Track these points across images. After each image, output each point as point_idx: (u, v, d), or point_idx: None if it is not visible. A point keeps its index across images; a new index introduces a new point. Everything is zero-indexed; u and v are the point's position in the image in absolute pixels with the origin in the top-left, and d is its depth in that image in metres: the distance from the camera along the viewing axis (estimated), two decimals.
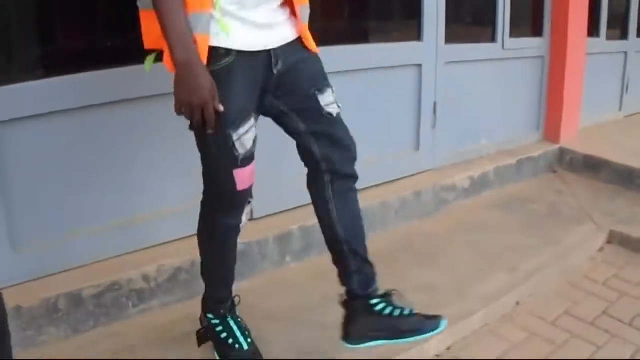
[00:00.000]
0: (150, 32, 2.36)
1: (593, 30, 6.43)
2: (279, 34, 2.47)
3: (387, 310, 2.70)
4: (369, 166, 4.22)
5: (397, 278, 3.50)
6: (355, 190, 2.74)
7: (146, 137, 3.33)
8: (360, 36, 4.57)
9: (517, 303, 3.59)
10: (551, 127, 5.81)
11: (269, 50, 2.43)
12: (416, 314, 2.71)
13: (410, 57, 4.54)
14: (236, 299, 2.88)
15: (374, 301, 2.71)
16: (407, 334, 2.69)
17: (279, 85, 2.50)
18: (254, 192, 2.63)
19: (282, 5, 2.49)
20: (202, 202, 2.64)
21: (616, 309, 3.57)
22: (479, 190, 4.96)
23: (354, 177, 2.70)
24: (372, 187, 4.32)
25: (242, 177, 2.46)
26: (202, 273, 2.83)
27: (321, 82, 2.59)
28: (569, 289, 3.81)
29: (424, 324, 2.70)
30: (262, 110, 2.55)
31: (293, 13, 2.52)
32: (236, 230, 2.67)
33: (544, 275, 3.81)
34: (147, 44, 2.41)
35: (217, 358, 2.77)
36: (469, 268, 3.80)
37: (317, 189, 2.69)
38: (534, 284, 3.73)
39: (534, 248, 4.10)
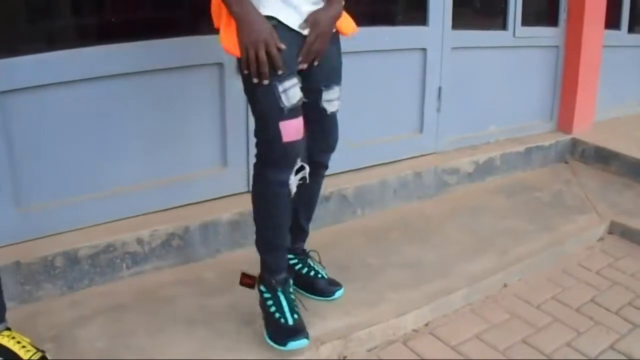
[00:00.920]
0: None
1: (614, 22, 6.38)
2: (305, 22, 2.66)
3: (299, 267, 3.20)
4: (371, 146, 4.32)
5: (386, 253, 3.64)
6: (322, 176, 3.10)
7: (143, 108, 3.44)
8: (363, 19, 4.57)
9: (505, 285, 3.63)
10: (564, 117, 5.79)
11: (300, 33, 2.66)
12: (324, 278, 3.23)
13: (416, 41, 4.55)
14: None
15: (291, 256, 3.17)
16: (313, 292, 3.20)
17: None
18: None
19: None
20: (255, 162, 2.80)
21: (605, 297, 3.59)
22: (483, 175, 4.97)
23: (324, 167, 3.05)
24: (373, 166, 4.39)
25: (288, 129, 2.62)
26: (256, 242, 2.92)
27: (331, 78, 2.84)
28: (561, 275, 3.83)
29: (326, 289, 3.21)
30: None
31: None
32: (286, 191, 2.72)
33: (536, 260, 3.84)
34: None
35: (265, 331, 2.85)
36: (459, 248, 3.85)
37: None
38: (525, 268, 3.77)
39: (530, 233, 4.13)
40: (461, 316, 3.32)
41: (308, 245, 3.29)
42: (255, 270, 2.96)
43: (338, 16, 2.73)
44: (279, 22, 2.59)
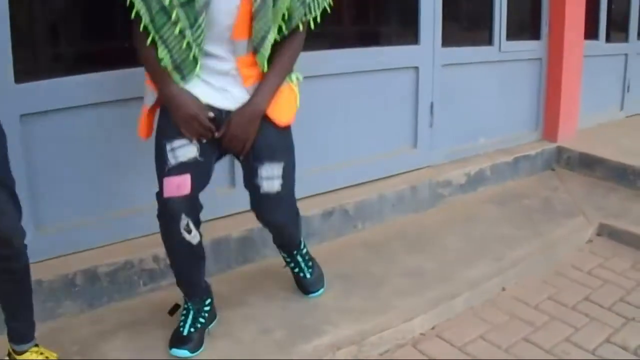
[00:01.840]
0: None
1: (592, 33, 6.55)
2: (232, 99, 2.79)
3: (288, 261, 3.43)
4: (368, 162, 4.43)
5: (388, 263, 3.75)
6: (284, 227, 3.22)
7: None
8: (359, 40, 4.71)
9: (503, 289, 3.78)
10: (549, 126, 5.93)
11: (220, 108, 2.78)
12: (307, 278, 3.44)
13: (408, 59, 4.68)
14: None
15: (284, 255, 3.42)
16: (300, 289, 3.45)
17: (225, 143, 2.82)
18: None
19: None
20: None
21: (598, 295, 3.74)
22: (475, 186, 5.10)
23: (279, 225, 3.17)
24: (371, 181, 4.51)
25: (168, 185, 2.75)
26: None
27: (266, 156, 2.86)
28: (555, 277, 3.97)
29: (308, 288, 3.45)
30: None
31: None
32: (179, 241, 2.83)
33: (530, 263, 3.99)
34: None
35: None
36: (457, 256, 3.99)
37: None
38: (520, 271, 3.91)
39: (522, 239, 4.27)
40: (464, 319, 3.47)
41: (314, 253, 3.48)
42: (264, 285, 3.29)
43: (257, 114, 2.76)
44: None
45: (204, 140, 2.75)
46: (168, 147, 2.73)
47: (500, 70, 5.49)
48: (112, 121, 3.42)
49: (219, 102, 2.76)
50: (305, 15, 2.76)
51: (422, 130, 4.89)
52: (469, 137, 5.32)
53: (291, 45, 2.82)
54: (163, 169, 2.75)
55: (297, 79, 2.95)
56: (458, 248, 4.12)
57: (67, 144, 3.30)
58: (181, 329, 2.97)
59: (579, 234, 4.51)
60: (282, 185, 2.90)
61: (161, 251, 3.36)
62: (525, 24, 5.92)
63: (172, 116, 2.70)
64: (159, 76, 2.70)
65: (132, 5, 2.62)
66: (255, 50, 2.73)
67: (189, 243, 2.82)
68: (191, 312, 3.01)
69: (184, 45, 2.60)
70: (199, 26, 2.59)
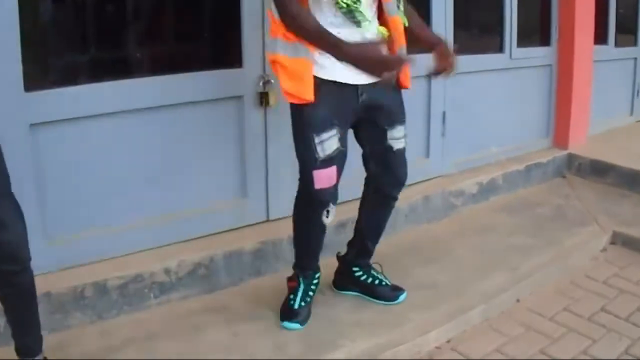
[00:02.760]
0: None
1: (602, 37, 6.53)
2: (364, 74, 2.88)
3: (364, 278, 3.53)
4: None
5: (402, 275, 3.72)
6: (391, 207, 3.48)
7: (174, 141, 3.57)
8: None
9: (518, 300, 3.75)
10: (560, 133, 5.92)
11: (356, 85, 2.95)
12: (387, 285, 3.54)
13: (420, 69, 4.62)
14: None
15: (356, 269, 3.53)
16: (377, 298, 3.50)
17: (365, 111, 3.07)
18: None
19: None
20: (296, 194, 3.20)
21: (614, 305, 3.71)
22: (487, 195, 5.08)
23: (394, 199, 3.42)
24: None
25: (319, 177, 2.98)
26: (293, 244, 3.38)
27: (395, 119, 3.18)
28: (570, 287, 3.94)
29: (389, 295, 3.50)
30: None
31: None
32: (320, 226, 3.18)
33: (544, 274, 3.96)
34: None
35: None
36: (471, 267, 3.96)
37: (363, 193, 3.45)
38: (535, 282, 3.88)
39: (536, 249, 4.24)
40: (480, 332, 3.44)
41: (326, 268, 3.52)
42: (276, 299, 3.34)
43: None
44: (329, 81, 2.90)
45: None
46: (317, 139, 2.92)
47: (511, 77, 5.48)
48: (122, 131, 3.42)
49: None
50: None
51: (435, 140, 4.89)
52: (480, 145, 5.31)
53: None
54: (313, 161, 2.97)
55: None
56: (472, 259, 4.09)
57: (77, 153, 3.29)
58: (292, 302, 3.27)
59: (593, 242, 4.47)
60: (406, 143, 3.30)
61: (172, 263, 3.44)
62: (535, 30, 5.91)
63: (364, 68, 2.78)
64: (327, 39, 2.76)
65: None
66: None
67: (324, 225, 3.17)
68: (302, 287, 3.29)
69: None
70: None
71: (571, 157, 5.82)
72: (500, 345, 3.32)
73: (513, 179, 5.32)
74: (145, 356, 2.99)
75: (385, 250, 3.98)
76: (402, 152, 3.26)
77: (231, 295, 3.53)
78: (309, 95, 2.85)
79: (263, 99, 3.78)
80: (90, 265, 3.35)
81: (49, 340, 2.81)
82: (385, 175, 3.29)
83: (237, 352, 3.03)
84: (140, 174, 3.50)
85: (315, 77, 2.86)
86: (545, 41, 5.83)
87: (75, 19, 3.50)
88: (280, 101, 3.53)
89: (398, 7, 3.06)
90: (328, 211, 3.10)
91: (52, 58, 3.40)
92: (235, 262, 3.66)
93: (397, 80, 3.08)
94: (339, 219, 3.63)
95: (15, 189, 2.43)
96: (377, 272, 3.56)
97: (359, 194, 3.43)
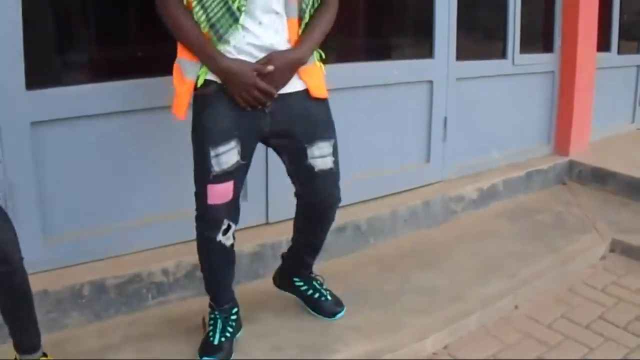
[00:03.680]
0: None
1: (604, 44, 6.54)
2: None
3: (305, 289, 3.38)
4: (381, 177, 4.42)
5: (401, 280, 3.74)
6: (326, 224, 3.21)
7: (173, 142, 3.54)
8: (373, 53, 4.73)
9: (515, 307, 3.74)
10: (561, 140, 5.92)
11: None
12: (327, 299, 3.38)
13: (422, 73, 4.68)
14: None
15: (296, 279, 3.39)
16: (315, 311, 3.37)
17: (273, 125, 2.83)
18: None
19: None
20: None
21: (612, 313, 3.70)
22: (487, 201, 5.08)
23: (327, 217, 3.16)
24: (383, 197, 4.49)
25: (213, 193, 2.78)
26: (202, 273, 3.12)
27: (314, 134, 2.89)
28: (568, 294, 3.94)
29: (328, 310, 3.37)
30: (262, 141, 2.91)
31: None
32: (216, 245, 2.89)
33: (543, 281, 3.96)
34: None
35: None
36: (469, 273, 3.96)
37: (296, 205, 3.15)
38: (533, 289, 3.87)
39: (535, 256, 4.24)
40: (477, 338, 3.44)
41: (325, 272, 3.47)
42: (274, 302, 3.35)
43: (297, 62, 2.79)
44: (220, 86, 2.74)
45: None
46: (212, 152, 2.72)
47: (514, 83, 5.49)
48: (123, 131, 3.43)
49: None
50: None
51: (435, 145, 4.88)
52: (481, 150, 5.31)
53: (328, 12, 2.89)
54: (206, 175, 2.76)
55: (320, 55, 2.98)
56: (470, 265, 4.09)
57: (78, 152, 3.31)
58: (211, 338, 2.98)
59: (592, 250, 4.47)
60: (334, 162, 2.96)
61: (171, 264, 3.43)
62: (538, 37, 5.92)
63: (229, 87, 2.69)
64: (202, 46, 2.68)
65: None
66: (300, 17, 2.80)
67: (223, 246, 2.89)
68: (219, 321, 3.02)
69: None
70: None
71: (572, 164, 5.83)
72: (498, 352, 3.32)
73: (513, 185, 5.32)
74: (143, 356, 3.00)
75: (384, 254, 4.00)
76: (327, 173, 2.96)
77: None
78: (180, 112, 2.81)
79: None
80: (88, 264, 3.36)
81: (46, 339, 2.80)
82: (311, 196, 3.04)
83: (233, 355, 3.02)
84: (140, 174, 3.51)
85: (210, 81, 2.73)
86: (548, 48, 5.84)
87: (77, 18, 3.52)
88: None
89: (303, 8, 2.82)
90: (226, 230, 2.87)
91: (54, 56, 3.41)
92: None
93: (308, 95, 2.87)
94: (337, 223, 3.60)
95: (15, 186, 2.44)
96: (319, 284, 3.42)
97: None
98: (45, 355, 2.71)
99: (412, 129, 4.69)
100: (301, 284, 3.39)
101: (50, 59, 3.38)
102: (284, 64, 2.73)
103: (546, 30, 5.88)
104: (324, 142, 2.91)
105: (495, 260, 4.16)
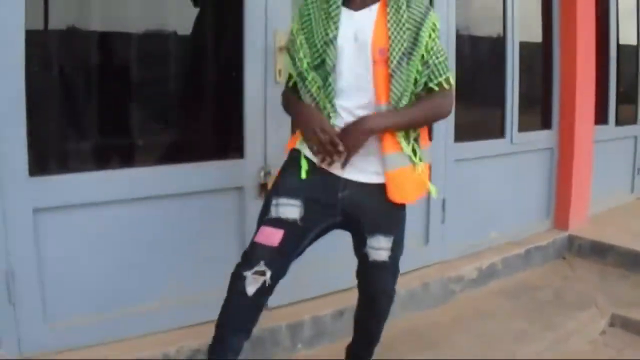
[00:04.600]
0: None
1: (602, 117, 6.67)
2: (354, 169, 2.90)
3: None
4: None
5: None
6: (377, 314, 3.29)
7: (173, 229, 3.65)
8: None
9: None
10: (560, 215, 6.00)
11: (339, 177, 2.90)
12: None
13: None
14: None
15: None
16: None
17: (347, 209, 2.94)
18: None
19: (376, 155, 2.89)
20: None
21: None
22: (487, 280, 5.11)
23: (379, 307, 3.25)
24: None
25: (263, 232, 2.87)
26: None
27: (377, 227, 2.98)
28: None
29: None
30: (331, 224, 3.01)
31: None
32: (241, 279, 2.84)
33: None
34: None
35: None
36: (469, 354, 3.98)
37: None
38: None
39: (534, 334, 4.27)
40: None
41: (324, 355, 3.58)
42: None
43: (368, 130, 2.80)
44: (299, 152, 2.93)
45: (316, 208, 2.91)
46: (274, 201, 2.87)
47: (512, 161, 5.57)
48: (125, 219, 3.50)
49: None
50: (431, 78, 2.90)
51: (434, 227, 4.93)
52: (480, 230, 5.35)
53: (435, 97, 2.93)
54: (262, 218, 2.91)
55: (419, 156, 2.99)
56: (469, 346, 4.11)
57: (79, 239, 3.37)
58: None
59: (592, 325, 4.51)
60: (390, 257, 3.03)
61: (172, 350, 3.46)
62: (536, 113, 6.02)
63: (302, 129, 2.89)
64: (294, 105, 2.98)
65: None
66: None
67: (244, 285, 2.84)
68: None
69: (320, 103, 2.85)
70: (329, 85, 2.81)
71: (571, 239, 5.89)
72: None
73: (513, 263, 5.35)
74: None
75: (383, 336, 4.02)
76: (380, 265, 3.03)
77: None
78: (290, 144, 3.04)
79: (264, 190, 3.83)
80: (88, 348, 3.39)
81: None
82: (364, 284, 3.18)
83: None
84: (141, 261, 3.56)
85: (304, 156, 2.91)
86: (546, 124, 5.95)
87: (80, 106, 3.60)
88: None
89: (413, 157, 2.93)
90: (259, 273, 2.82)
91: (57, 144, 3.51)
92: None
93: (385, 191, 2.91)
94: (337, 307, 3.67)
95: (17, 270, 2.49)
96: None
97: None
98: None
99: (411, 212, 4.57)
100: None
101: (53, 146, 3.48)
102: (355, 123, 2.82)
103: (544, 107, 6.00)
104: (384, 236, 2.99)
105: (494, 340, 4.18)
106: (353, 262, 3.19)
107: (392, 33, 2.79)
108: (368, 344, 3.41)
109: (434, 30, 2.88)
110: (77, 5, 3.48)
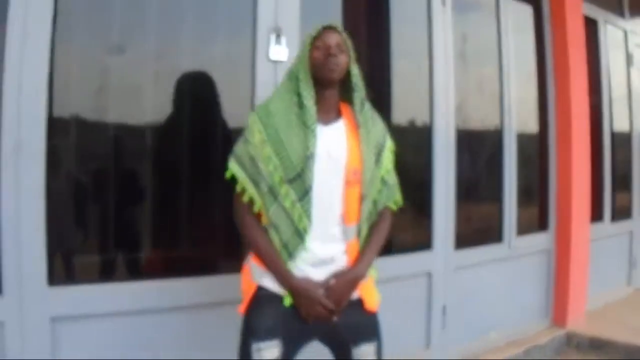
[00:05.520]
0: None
1: (597, 214, 6.82)
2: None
3: None
4: None
5: None
6: None
7: (189, 340, 3.73)
8: None
9: None
10: (559, 313, 6.11)
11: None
12: None
13: (421, 266, 4.89)
14: None
15: None
16: None
17: (322, 329, 2.95)
18: None
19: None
20: None
21: None
22: None
23: None
24: None
25: None
26: None
27: (359, 337, 2.98)
28: None
29: None
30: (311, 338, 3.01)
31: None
32: None
33: None
34: None
35: None
36: None
37: None
38: None
39: None
40: None
41: None
42: None
43: (358, 279, 2.90)
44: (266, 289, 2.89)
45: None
46: (255, 346, 2.83)
47: (510, 265, 5.69)
48: (138, 330, 3.58)
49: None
50: (388, 198, 3.06)
51: (435, 332, 5.02)
52: (480, 332, 5.43)
53: (384, 227, 3.06)
54: None
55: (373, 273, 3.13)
56: None
57: (95, 348, 3.43)
58: None
59: None
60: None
61: None
62: (533, 210, 6.15)
63: (297, 302, 2.84)
64: (276, 265, 2.84)
65: (235, 183, 2.92)
66: (358, 234, 2.95)
67: None
68: None
69: (295, 216, 2.81)
70: (308, 199, 2.80)
71: (569, 336, 5.99)
72: None
73: None
74: None
75: None
76: None
77: None
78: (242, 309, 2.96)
79: None
80: None
81: None
82: None
83: None
84: None
85: (261, 287, 2.90)
86: (543, 226, 6.10)
87: (100, 219, 3.73)
88: None
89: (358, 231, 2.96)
90: None
91: (75, 256, 3.61)
92: None
93: (362, 301, 2.98)
94: None
95: None
96: None
97: None
98: None
99: (412, 319, 4.86)
100: None
101: (72, 256, 3.59)
102: (345, 283, 2.86)
103: (541, 209, 6.15)
104: (368, 343, 2.99)
105: None
106: None
107: (365, 155, 2.88)
108: None
109: (391, 152, 3.07)
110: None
